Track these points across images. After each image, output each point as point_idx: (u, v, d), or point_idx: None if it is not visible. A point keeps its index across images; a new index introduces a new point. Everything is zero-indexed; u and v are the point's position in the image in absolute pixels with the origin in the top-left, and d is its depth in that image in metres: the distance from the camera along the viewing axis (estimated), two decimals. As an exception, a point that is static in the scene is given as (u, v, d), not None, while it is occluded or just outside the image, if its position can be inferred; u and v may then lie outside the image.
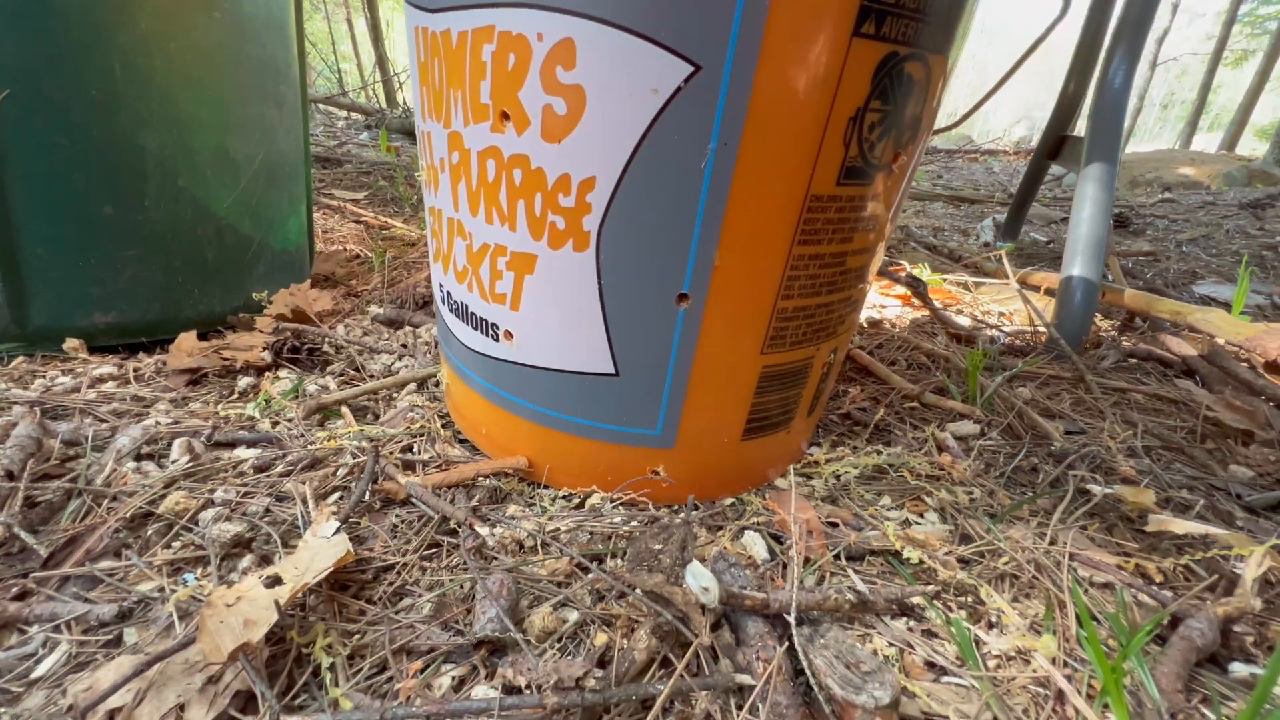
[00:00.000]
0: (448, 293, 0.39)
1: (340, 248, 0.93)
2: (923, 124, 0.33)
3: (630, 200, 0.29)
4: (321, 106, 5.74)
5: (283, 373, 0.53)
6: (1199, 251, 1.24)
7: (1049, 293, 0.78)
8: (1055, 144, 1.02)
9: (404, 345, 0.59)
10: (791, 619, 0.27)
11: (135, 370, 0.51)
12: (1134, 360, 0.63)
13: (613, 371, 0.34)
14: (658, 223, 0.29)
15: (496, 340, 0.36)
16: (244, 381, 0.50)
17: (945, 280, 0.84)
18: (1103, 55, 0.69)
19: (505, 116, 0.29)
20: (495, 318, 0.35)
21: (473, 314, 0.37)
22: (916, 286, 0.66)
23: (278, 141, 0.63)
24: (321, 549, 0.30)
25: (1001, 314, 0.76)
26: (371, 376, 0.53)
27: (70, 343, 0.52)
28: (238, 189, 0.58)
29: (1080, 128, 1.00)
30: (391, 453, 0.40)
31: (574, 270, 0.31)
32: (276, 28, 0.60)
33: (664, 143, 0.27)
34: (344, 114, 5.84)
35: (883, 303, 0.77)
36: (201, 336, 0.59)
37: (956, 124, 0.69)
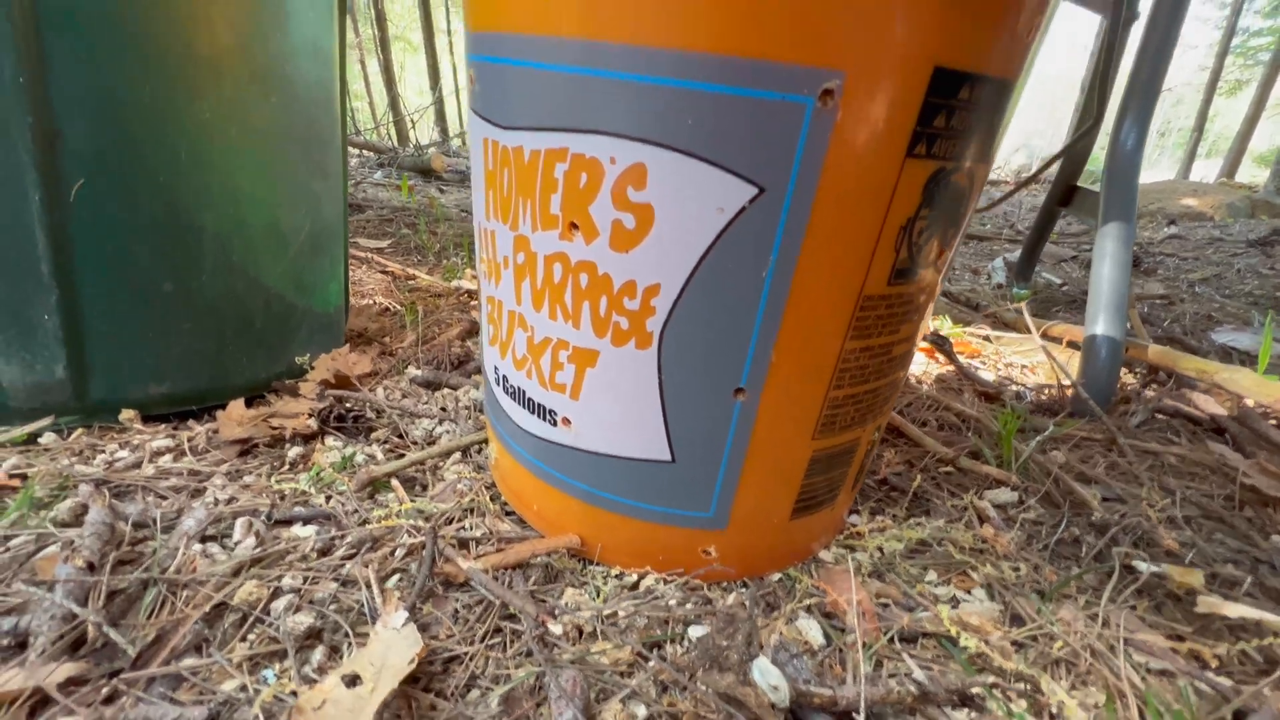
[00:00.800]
0: (504, 376, 0.40)
1: (370, 301, 0.95)
2: (964, 220, 0.34)
3: (693, 305, 0.30)
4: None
5: (329, 440, 0.54)
6: (1212, 293, 1.25)
7: (1071, 345, 0.79)
8: (1066, 193, 1.04)
9: (443, 409, 0.61)
10: (860, 718, 0.28)
11: (189, 440, 0.52)
12: (1163, 416, 0.63)
13: (669, 459, 0.35)
14: (718, 325, 0.31)
15: (554, 425, 0.37)
16: (293, 451, 0.52)
17: (965, 332, 0.85)
18: (1115, 118, 0.71)
19: (574, 226, 0.31)
20: (554, 405, 0.37)
21: (530, 399, 0.38)
22: (942, 345, 0.67)
23: (323, 210, 0.65)
24: (394, 643, 0.30)
25: (1025, 367, 0.77)
26: (415, 444, 0.54)
27: (126, 414, 0.53)
28: (286, 259, 0.61)
29: (1083, 162, 1.02)
30: (446, 532, 0.41)
31: (635, 366, 0.33)
32: (324, 103, 0.64)
33: (727, 254, 0.29)
34: (357, 152, 5.98)
35: (906, 356, 0.79)
36: (247, 403, 0.60)
37: (989, 207, 0.71)
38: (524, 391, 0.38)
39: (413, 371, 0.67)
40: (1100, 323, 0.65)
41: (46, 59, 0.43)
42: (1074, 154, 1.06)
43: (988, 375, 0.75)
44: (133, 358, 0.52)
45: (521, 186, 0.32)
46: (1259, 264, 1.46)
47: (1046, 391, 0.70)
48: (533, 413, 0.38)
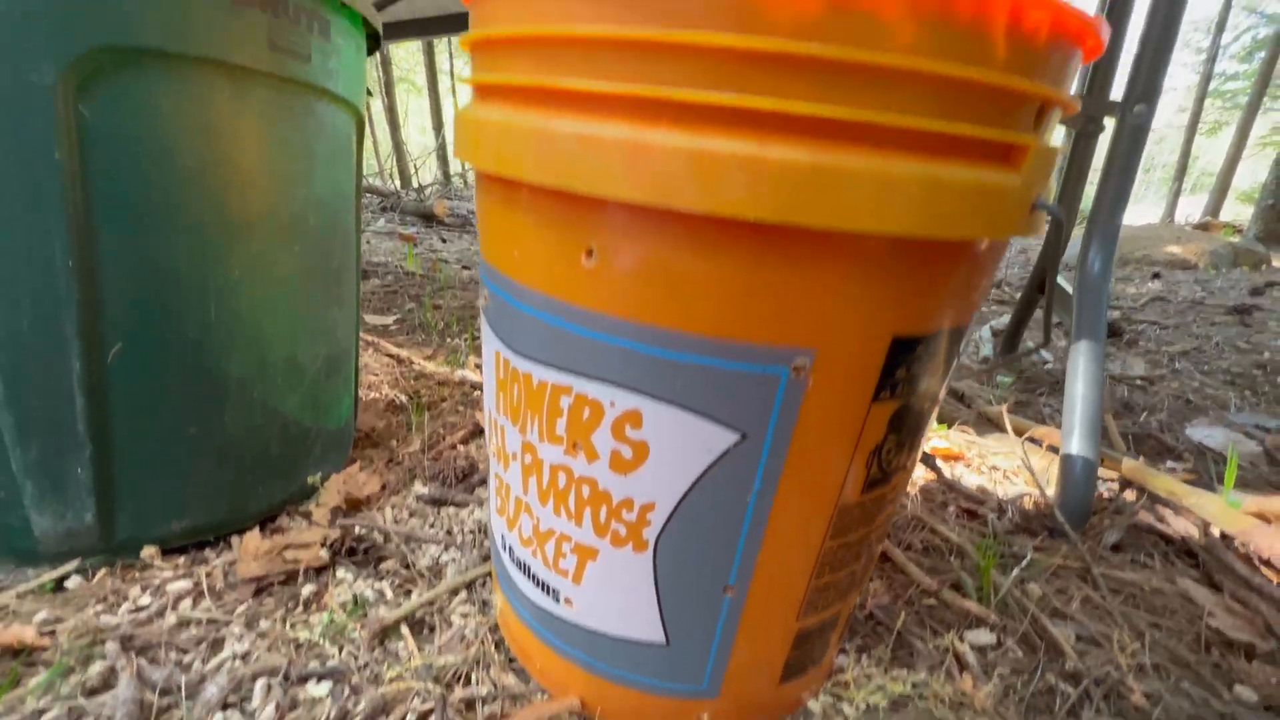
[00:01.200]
0: (510, 546, 0.43)
1: (378, 394, 0.98)
2: (935, 411, 0.38)
3: (685, 520, 0.34)
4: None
5: (341, 571, 0.57)
6: (1192, 369, 1.29)
7: (1052, 449, 0.82)
8: (1043, 283, 1.09)
9: (449, 532, 0.63)
10: None
11: (208, 577, 0.54)
12: (1137, 530, 0.66)
13: (664, 642, 0.38)
14: (708, 537, 0.34)
15: (557, 602, 0.40)
16: (307, 589, 0.54)
17: (950, 434, 0.89)
18: (1081, 242, 0.76)
19: (577, 447, 0.34)
20: (557, 585, 0.40)
21: (535, 575, 0.41)
22: (929, 461, 0.70)
23: (338, 336, 0.69)
24: (408, 839, 0.33)
25: (1007, 472, 0.80)
26: (421, 576, 0.57)
27: (147, 550, 0.56)
28: (302, 388, 0.64)
29: (1059, 253, 1.07)
30: (454, 696, 0.43)
31: (633, 565, 0.36)
32: (343, 238, 0.68)
33: (715, 483, 0.32)
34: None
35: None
36: (261, 525, 0.63)
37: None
38: (529, 567, 0.41)
39: (419, 488, 0.70)
40: (1075, 441, 0.68)
41: (96, 244, 0.47)
42: (1048, 245, 1.12)
43: (973, 480, 0.78)
44: (157, 499, 0.55)
45: (530, 404, 0.36)
46: (1237, 336, 1.51)
47: (1028, 499, 0.73)
48: (537, 586, 0.41)
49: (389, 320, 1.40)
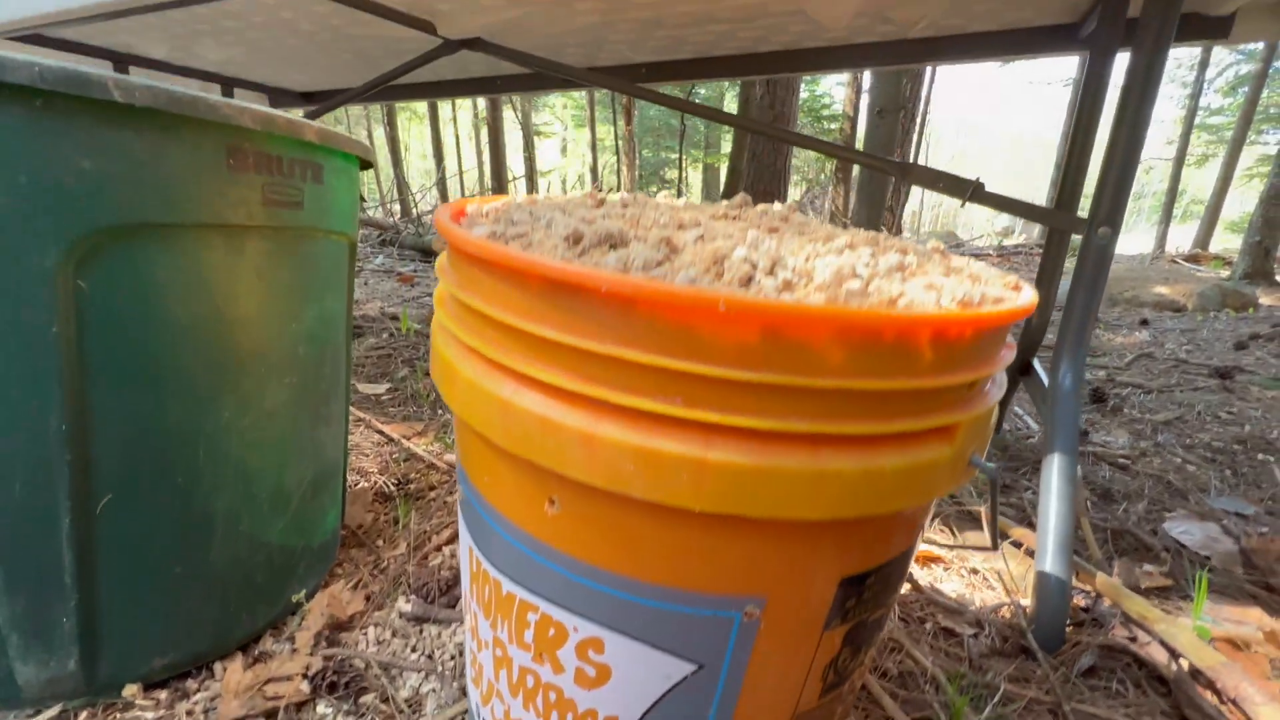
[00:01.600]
0: (484, 718, 0.44)
1: (367, 482, 0.99)
2: (886, 621, 0.39)
3: (647, 732, 0.35)
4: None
5: (321, 706, 0.57)
6: (1174, 442, 1.31)
7: (1030, 553, 0.83)
8: (1025, 365, 1.11)
9: (430, 656, 0.64)
10: None
11: (188, 717, 0.55)
12: (1112, 650, 0.67)
13: (631, 834, 0.39)
14: (670, 747, 0.35)
15: (527, 785, 0.41)
16: (286, 732, 0.55)
17: (929, 535, 0.90)
18: (1052, 360, 0.78)
19: (544, 657, 0.35)
20: (527, 770, 0.40)
21: (506, 754, 0.42)
22: (908, 576, 0.71)
23: (325, 455, 0.70)
24: None
25: (986, 575, 0.81)
26: (400, 711, 0.57)
27: (129, 689, 0.56)
28: (289, 513, 0.65)
29: (1041, 335, 1.09)
30: None
31: (598, 767, 0.37)
32: (333, 359, 0.70)
33: (674, 704, 0.33)
34: (360, 229, 6.13)
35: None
36: (244, 649, 0.64)
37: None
38: (501, 745, 0.42)
39: (402, 605, 0.71)
40: (1049, 560, 0.69)
41: (89, 408, 0.49)
42: (1028, 333, 1.14)
43: (951, 586, 0.79)
44: (140, 638, 0.56)
45: (500, 609, 0.37)
46: (1219, 404, 1.53)
47: (1005, 611, 0.74)
48: (509, 765, 0.42)
49: (381, 389, 1.41)
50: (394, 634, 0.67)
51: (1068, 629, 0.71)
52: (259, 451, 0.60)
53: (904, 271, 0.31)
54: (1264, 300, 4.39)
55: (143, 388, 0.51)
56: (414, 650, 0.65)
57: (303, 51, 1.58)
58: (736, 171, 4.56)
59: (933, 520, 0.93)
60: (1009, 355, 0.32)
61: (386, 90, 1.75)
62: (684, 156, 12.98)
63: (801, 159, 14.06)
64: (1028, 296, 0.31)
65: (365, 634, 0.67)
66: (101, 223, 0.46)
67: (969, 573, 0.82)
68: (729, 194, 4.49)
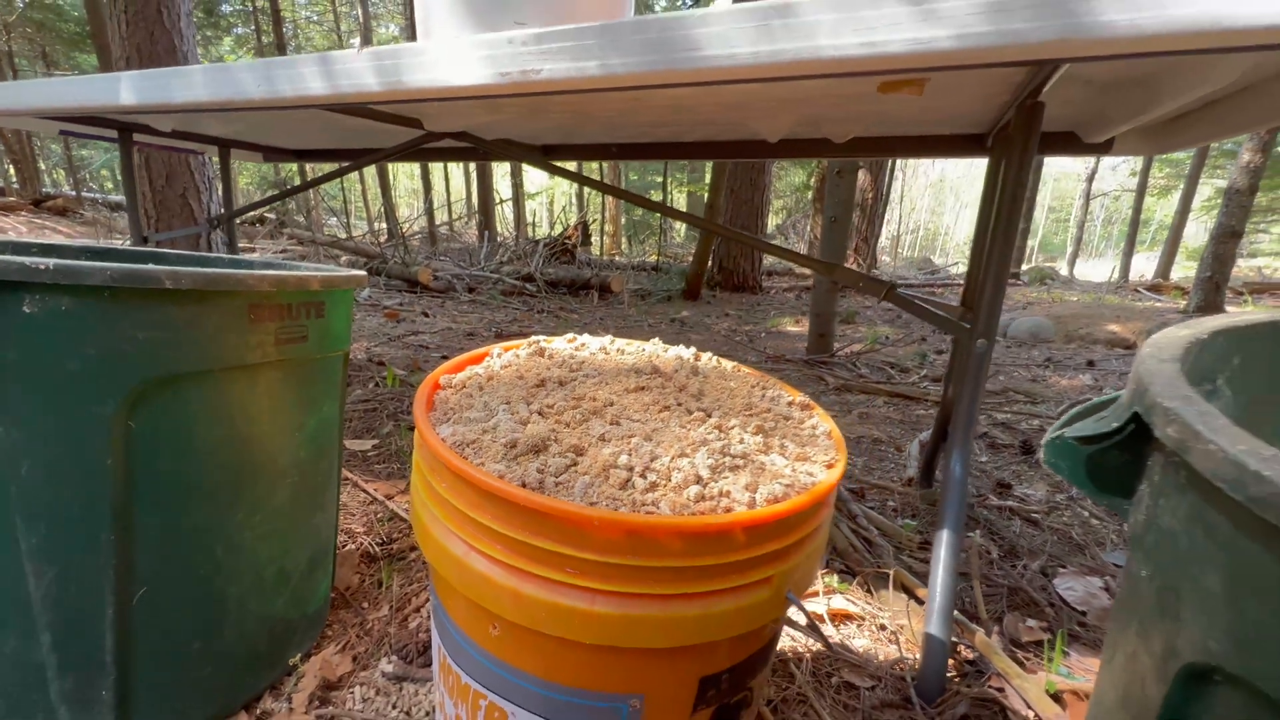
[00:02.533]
0: (449, 775, 0.56)
1: (354, 544, 1.10)
2: (755, 696, 0.52)
3: (567, 789, 0.47)
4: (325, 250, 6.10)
5: (313, 760, 0.68)
6: (1085, 496, 1.46)
7: (929, 611, 0.96)
8: (945, 433, 1.25)
9: (407, 713, 0.75)
10: None
11: (201, 773, 0.66)
12: (984, 702, 0.80)
13: None
14: (584, 800, 0.47)
15: (481, 828, 0.53)
16: (286, 783, 0.66)
17: (852, 588, 1.03)
18: (945, 453, 0.92)
19: (492, 732, 0.48)
20: (481, 817, 0.52)
21: (465, 804, 0.54)
22: (818, 633, 0.84)
23: (320, 536, 0.82)
24: None
25: (894, 633, 0.94)
26: (383, 763, 0.69)
27: (152, 749, 0.67)
28: (289, 590, 0.77)
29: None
30: None
31: (533, 815, 0.49)
32: (328, 453, 0.82)
33: (586, 768, 0.46)
34: (347, 256, 6.23)
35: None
36: (247, 707, 0.74)
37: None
38: (462, 797, 0.54)
39: (384, 666, 0.82)
40: (934, 624, 0.83)
41: (132, 519, 0.60)
42: (946, 408, 1.29)
43: (861, 643, 0.92)
44: (165, 706, 0.67)
45: (459, 694, 0.49)
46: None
47: (901, 666, 0.87)
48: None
49: (367, 446, 1.52)
50: (377, 692, 0.79)
51: (954, 680, 0.84)
52: (266, 542, 0.72)
53: (745, 462, 0.44)
54: (1211, 335, 4.62)
55: (175, 501, 0.63)
56: (394, 707, 0.77)
57: (298, 128, 1.71)
58: (715, 208, 4.74)
59: (851, 580, 1.07)
60: (824, 511, 0.45)
61: (376, 155, 1.88)
62: (669, 181, 13.26)
63: (783, 183, 14.42)
64: (828, 478, 0.44)
65: (352, 693, 0.78)
66: (149, 376, 0.58)
67: (878, 629, 0.95)
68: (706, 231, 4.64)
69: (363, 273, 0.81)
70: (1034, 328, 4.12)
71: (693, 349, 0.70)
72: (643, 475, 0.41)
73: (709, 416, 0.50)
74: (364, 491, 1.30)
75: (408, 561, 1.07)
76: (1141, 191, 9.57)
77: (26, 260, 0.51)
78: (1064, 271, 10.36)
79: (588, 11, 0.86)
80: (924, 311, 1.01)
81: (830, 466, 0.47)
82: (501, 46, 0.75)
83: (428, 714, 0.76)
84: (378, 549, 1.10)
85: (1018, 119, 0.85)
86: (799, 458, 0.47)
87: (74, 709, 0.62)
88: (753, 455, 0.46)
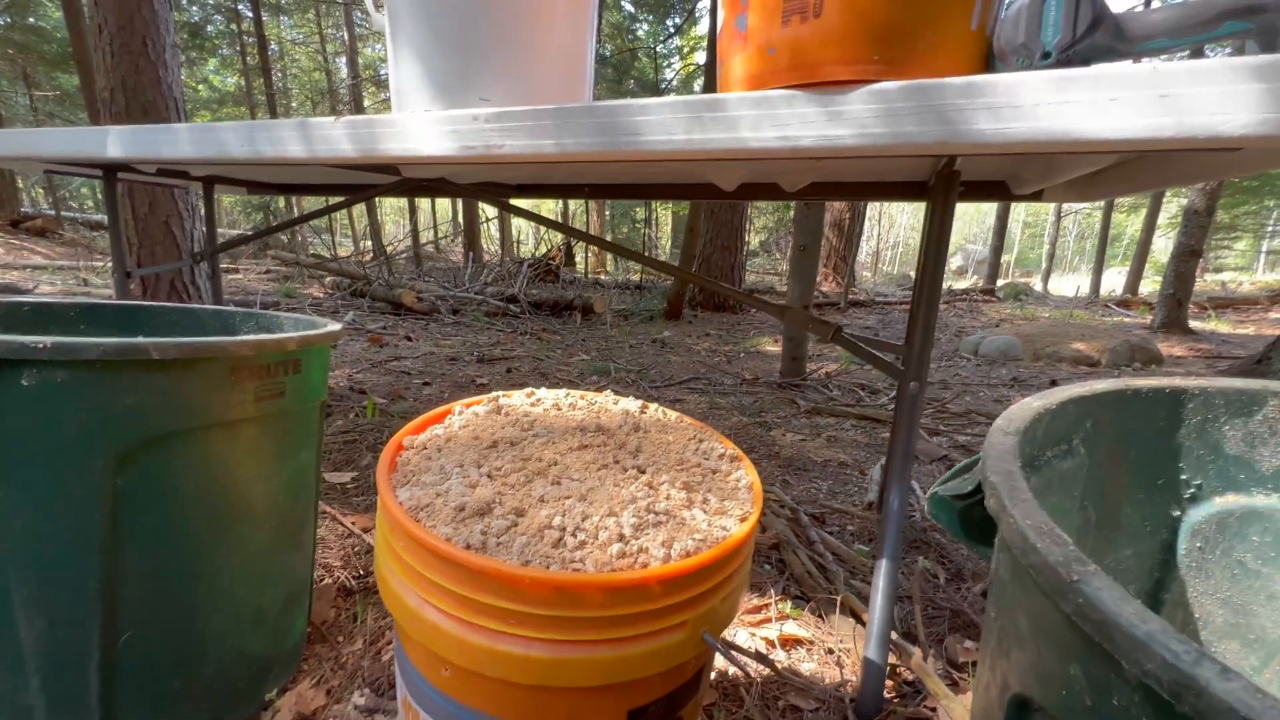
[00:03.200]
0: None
1: (330, 579, 1.15)
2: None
3: (514, 813, 0.52)
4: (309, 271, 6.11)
5: (287, 791, 0.73)
6: (1033, 517, 1.54)
7: (874, 635, 1.03)
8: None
9: (378, 744, 0.80)
10: None
11: (180, 806, 0.70)
12: (919, 720, 0.87)
13: None
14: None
15: None
16: (260, 814, 0.70)
17: (804, 614, 1.09)
18: (883, 486, 0.99)
19: (447, 763, 0.53)
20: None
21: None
22: (766, 661, 0.90)
23: (296, 575, 0.87)
24: None
25: (841, 656, 1.00)
26: (353, 792, 0.73)
27: (134, 784, 0.71)
28: (266, 627, 0.81)
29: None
30: None
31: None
32: (305, 498, 0.87)
33: (530, 794, 0.51)
34: (331, 277, 6.24)
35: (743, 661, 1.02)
36: (225, 743, 0.79)
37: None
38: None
39: (357, 699, 0.87)
40: (872, 648, 0.89)
41: (119, 568, 0.65)
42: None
43: (809, 666, 0.98)
44: (145, 743, 0.71)
45: (419, 728, 0.55)
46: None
47: (847, 687, 0.93)
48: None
49: (346, 478, 1.56)
50: (350, 724, 0.83)
51: (893, 701, 0.91)
52: (245, 583, 0.77)
53: (667, 518, 0.51)
54: (1174, 351, 4.81)
55: (160, 549, 0.68)
56: (365, 739, 0.81)
57: (282, 169, 1.77)
58: (694, 231, 4.85)
59: (804, 606, 1.13)
60: (735, 561, 0.52)
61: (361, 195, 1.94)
62: (653, 202, 13.43)
63: (766, 203, 14.65)
64: (739, 531, 0.51)
65: (326, 726, 0.83)
66: (136, 438, 0.63)
67: (825, 653, 1.02)
68: (687, 253, 4.75)
69: (339, 327, 0.87)
70: (1004, 346, 4.25)
71: (639, 402, 0.76)
72: (573, 534, 0.47)
73: (642, 473, 0.57)
74: (341, 525, 1.34)
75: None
76: (1109, 208, 9.89)
77: (26, 340, 0.56)
78: (1038, 287, 10.64)
79: (547, 90, 0.94)
80: (865, 354, 1.09)
81: (743, 520, 0.53)
82: (467, 123, 0.82)
83: (397, 744, 0.80)
84: (354, 582, 1.14)
85: (938, 180, 0.94)
86: (717, 511, 0.54)
87: (60, 748, 0.66)
88: (675, 511, 0.52)
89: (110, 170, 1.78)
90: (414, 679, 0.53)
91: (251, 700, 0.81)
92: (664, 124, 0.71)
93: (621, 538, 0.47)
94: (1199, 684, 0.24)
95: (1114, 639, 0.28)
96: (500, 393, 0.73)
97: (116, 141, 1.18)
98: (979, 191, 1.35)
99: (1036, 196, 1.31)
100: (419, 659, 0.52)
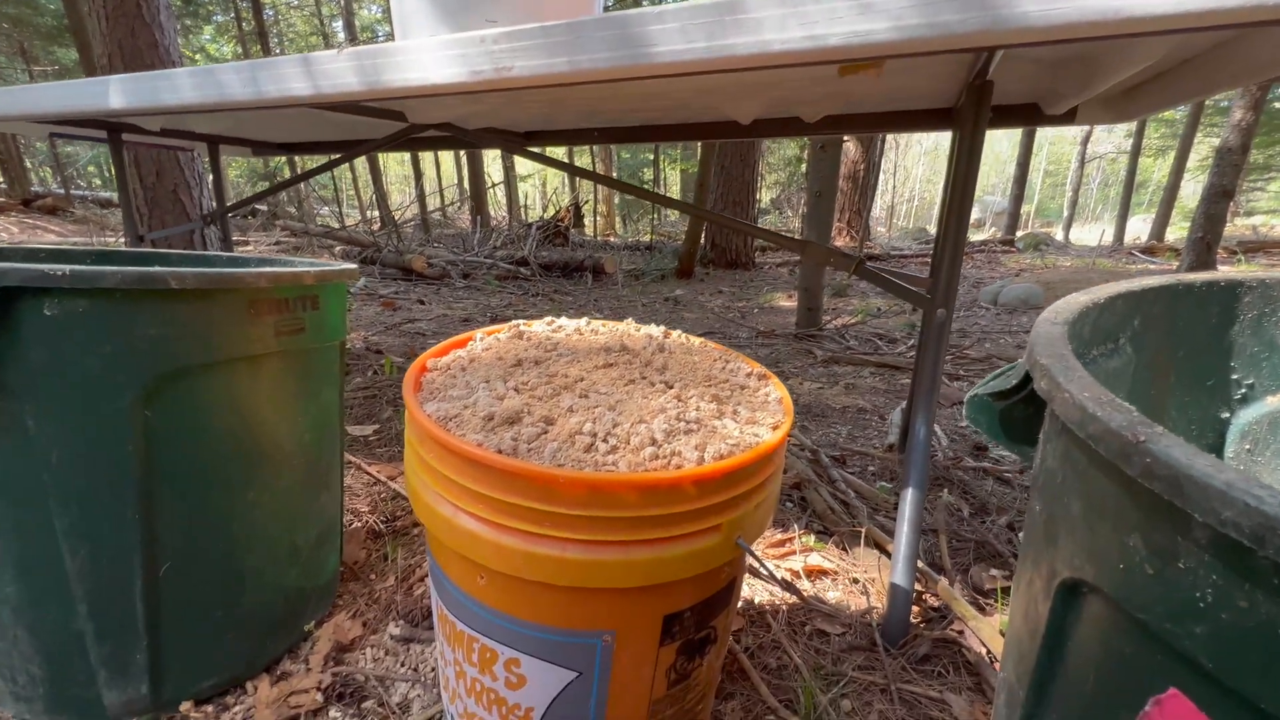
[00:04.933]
0: (453, 716, 0.62)
1: (360, 522, 1.17)
2: (716, 638, 0.58)
3: (553, 715, 0.54)
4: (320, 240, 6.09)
5: (333, 711, 0.76)
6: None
7: (898, 565, 1.03)
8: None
9: (415, 669, 0.82)
10: None
11: (231, 725, 0.73)
12: (945, 642, 0.87)
13: (550, 786, 0.58)
14: (568, 716, 0.54)
15: (482, 758, 0.60)
16: (307, 731, 0.73)
17: (828, 547, 1.10)
18: (909, 413, 0.98)
19: (484, 671, 0.54)
20: (481, 747, 0.59)
21: (467, 738, 0.60)
22: (792, 589, 0.91)
23: (326, 514, 0.88)
24: None
25: (865, 585, 1.01)
26: (393, 712, 0.76)
27: (185, 706, 0.74)
28: (300, 563, 0.83)
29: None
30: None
31: (525, 742, 0.56)
32: (330, 436, 0.87)
33: (568, 696, 0.52)
34: (341, 246, 6.22)
35: (771, 589, 1.03)
36: (269, 669, 0.81)
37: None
38: (463, 732, 0.61)
39: (392, 629, 0.89)
40: (898, 574, 0.89)
41: (154, 500, 0.66)
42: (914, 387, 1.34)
43: (834, 594, 0.99)
44: (193, 667, 0.74)
45: (455, 641, 0.56)
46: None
47: (872, 615, 0.94)
48: (469, 745, 0.61)
49: (369, 431, 1.58)
50: (386, 653, 0.86)
51: (919, 625, 0.91)
52: (277, 520, 0.78)
53: (698, 426, 0.50)
54: (1201, 296, 4.66)
55: (193, 483, 0.69)
56: (403, 665, 0.84)
57: (285, 123, 1.74)
58: (704, 186, 4.74)
59: (828, 540, 1.13)
60: (768, 467, 0.51)
61: (363, 147, 1.91)
62: (661, 159, 13.16)
63: (776, 157, 14.30)
64: (772, 438, 0.50)
65: (364, 653, 0.85)
66: (161, 370, 0.63)
67: (851, 583, 1.02)
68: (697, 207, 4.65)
69: (354, 266, 0.86)
70: (1024, 294, 4.16)
71: (662, 327, 0.75)
72: (605, 440, 0.46)
73: (670, 388, 0.56)
74: (367, 474, 1.36)
75: (410, 537, 1.13)
76: (1136, 152, 9.51)
77: (45, 267, 0.56)
78: (1059, 237, 10.35)
79: (555, 9, 0.89)
80: (889, 284, 1.06)
81: (775, 428, 0.52)
82: (475, 45, 0.79)
83: (433, 669, 0.83)
84: (383, 526, 1.16)
85: (969, 97, 0.89)
86: (749, 421, 0.53)
87: (111, 672, 0.69)
88: (706, 420, 0.51)
89: (115, 131, 1.76)
90: (450, 591, 0.54)
91: (291, 630, 0.84)
92: (683, 31, 0.68)
93: (654, 441, 0.47)
94: (1286, 521, 0.23)
95: (1187, 493, 0.27)
96: (520, 320, 0.72)
97: (117, 91, 1.15)
98: (1008, 117, 1.29)
99: (1070, 118, 1.25)
100: (454, 569, 0.52)
